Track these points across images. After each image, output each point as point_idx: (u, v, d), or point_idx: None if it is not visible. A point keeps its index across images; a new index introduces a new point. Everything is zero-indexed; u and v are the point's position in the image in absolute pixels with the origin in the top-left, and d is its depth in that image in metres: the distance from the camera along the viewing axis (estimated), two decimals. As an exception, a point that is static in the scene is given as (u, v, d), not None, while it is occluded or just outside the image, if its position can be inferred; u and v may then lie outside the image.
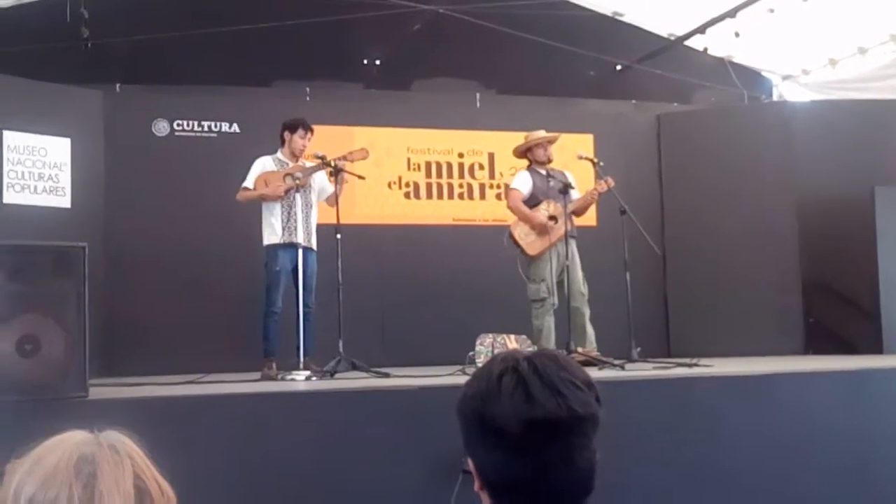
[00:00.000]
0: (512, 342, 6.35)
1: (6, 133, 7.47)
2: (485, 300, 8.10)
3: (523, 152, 7.40)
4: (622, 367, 6.18)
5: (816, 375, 5.57)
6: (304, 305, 6.53)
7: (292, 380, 5.89)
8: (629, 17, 10.15)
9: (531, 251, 7.07)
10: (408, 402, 4.66)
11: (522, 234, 7.12)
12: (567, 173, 7.31)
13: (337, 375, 5.89)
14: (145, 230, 8.02)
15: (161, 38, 8.35)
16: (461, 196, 9.10)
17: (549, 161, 7.28)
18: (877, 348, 7.81)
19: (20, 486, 1.17)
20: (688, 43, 10.07)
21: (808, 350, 8.51)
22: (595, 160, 7.26)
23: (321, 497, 4.31)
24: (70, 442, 1.21)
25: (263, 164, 6.88)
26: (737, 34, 9.12)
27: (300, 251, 6.59)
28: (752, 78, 10.69)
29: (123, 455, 1.20)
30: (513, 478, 1.42)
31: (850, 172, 8.40)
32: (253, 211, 6.92)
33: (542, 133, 7.37)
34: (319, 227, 6.90)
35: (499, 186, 9.01)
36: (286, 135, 6.95)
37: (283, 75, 9.28)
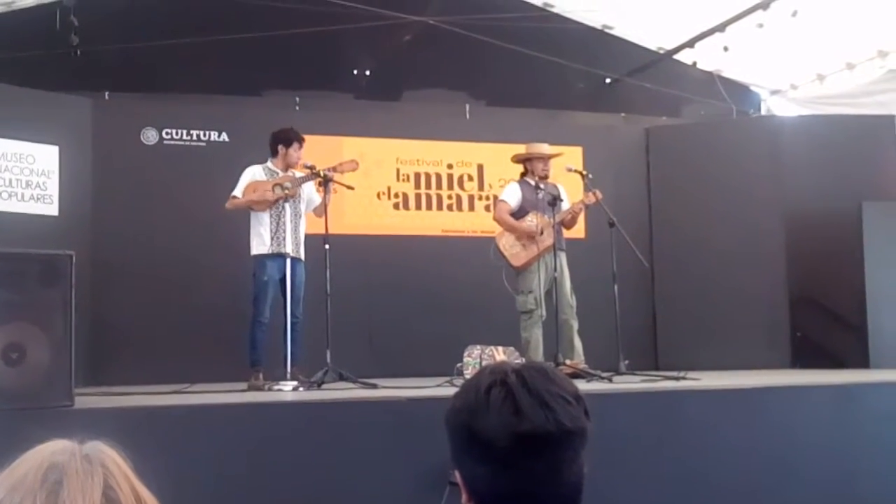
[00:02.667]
0: (500, 354, 6.35)
1: (-6, 140, 7.45)
2: (473, 311, 8.10)
3: (522, 160, 7.41)
4: (610, 380, 6.18)
5: (804, 389, 5.59)
6: (292, 316, 6.52)
7: (279, 390, 5.88)
8: (618, 31, 10.18)
9: (516, 262, 7.08)
10: (395, 413, 4.65)
11: (507, 246, 7.13)
12: (559, 187, 7.32)
13: (324, 386, 5.88)
14: (133, 239, 7.99)
15: (150, 47, 8.34)
16: (450, 207, 9.10)
17: (546, 177, 7.28)
18: (864, 363, 7.82)
19: None
20: (677, 57, 10.11)
21: (795, 364, 8.51)
22: (584, 172, 7.28)
23: (307, 508, 4.30)
24: (46, 451, 1.20)
25: (253, 174, 6.87)
26: (725, 48, 9.16)
27: (288, 261, 6.58)
28: (740, 92, 10.73)
29: (95, 464, 1.18)
30: (500, 491, 1.42)
31: (837, 187, 8.43)
32: (241, 220, 6.91)
33: (545, 147, 7.37)
34: (308, 237, 6.89)
35: (488, 198, 9.00)
36: (280, 148, 6.93)
37: (273, 85, 9.27)
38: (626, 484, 4.55)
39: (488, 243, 7.31)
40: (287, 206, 6.73)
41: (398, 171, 9.00)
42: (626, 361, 6.64)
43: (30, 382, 4.12)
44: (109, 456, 1.22)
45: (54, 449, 1.21)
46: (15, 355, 4.09)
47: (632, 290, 7.95)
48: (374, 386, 5.84)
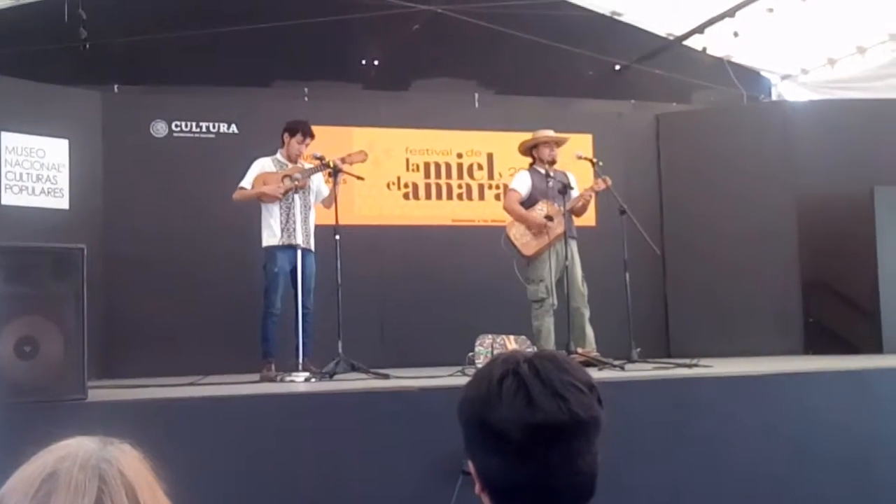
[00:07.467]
0: (511, 343, 6.34)
1: (4, 134, 7.46)
2: (484, 300, 8.09)
3: (528, 149, 7.37)
4: (622, 368, 6.17)
5: (816, 375, 5.56)
6: (303, 307, 6.52)
7: (291, 381, 5.88)
8: (628, 17, 10.15)
9: (527, 251, 7.06)
10: (407, 403, 4.65)
11: (518, 235, 7.11)
12: (569, 174, 7.30)
13: (336, 377, 5.87)
14: (144, 231, 8.00)
15: (159, 39, 8.35)
16: (460, 196, 9.09)
17: (553, 162, 7.25)
18: (876, 348, 7.80)
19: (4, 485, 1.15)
20: (686, 43, 10.07)
21: (807, 350, 8.50)
22: (594, 160, 7.25)
23: (321, 499, 4.30)
24: (55, 454, 1.16)
25: (262, 165, 6.86)
26: (735, 34, 9.12)
27: (299, 252, 6.58)
28: (750, 77, 10.69)
29: (91, 477, 1.14)
30: (514, 482, 1.41)
31: (849, 172, 8.40)
32: (252, 212, 6.91)
33: (550, 132, 7.34)
34: (318, 227, 6.89)
35: (498, 187, 8.99)
36: (285, 136, 6.93)
37: (282, 76, 9.27)
38: (641, 472, 4.55)
39: (498, 232, 7.29)
40: (297, 197, 6.72)
41: (408, 160, 8.99)
42: (638, 349, 6.62)
43: (43, 376, 4.12)
44: (116, 466, 1.16)
45: (63, 454, 1.16)
46: (28, 349, 4.09)
47: (643, 278, 7.94)
48: (386, 376, 5.84)
